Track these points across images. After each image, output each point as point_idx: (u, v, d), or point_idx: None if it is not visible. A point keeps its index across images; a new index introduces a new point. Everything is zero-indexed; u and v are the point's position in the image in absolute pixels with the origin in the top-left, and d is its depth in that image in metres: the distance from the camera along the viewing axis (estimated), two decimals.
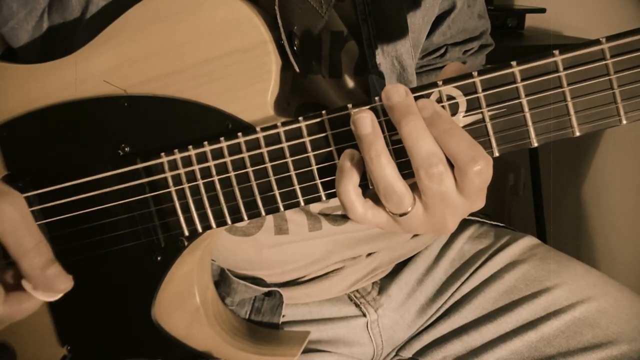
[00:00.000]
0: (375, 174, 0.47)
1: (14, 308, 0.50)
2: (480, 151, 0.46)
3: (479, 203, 0.49)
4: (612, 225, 1.46)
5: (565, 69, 0.46)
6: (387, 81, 0.66)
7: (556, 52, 0.46)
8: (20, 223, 0.50)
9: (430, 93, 0.48)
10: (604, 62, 0.45)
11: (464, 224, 0.82)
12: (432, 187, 0.46)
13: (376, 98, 0.49)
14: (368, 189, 0.50)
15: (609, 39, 0.45)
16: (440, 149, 0.46)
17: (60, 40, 0.59)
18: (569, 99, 0.46)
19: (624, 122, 0.46)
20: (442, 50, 0.80)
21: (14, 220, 0.50)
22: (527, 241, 0.78)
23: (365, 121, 0.47)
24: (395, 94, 0.47)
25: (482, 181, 0.46)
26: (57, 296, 0.51)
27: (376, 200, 0.49)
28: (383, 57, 0.65)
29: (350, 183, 0.48)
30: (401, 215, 0.48)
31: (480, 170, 0.46)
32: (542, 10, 1.55)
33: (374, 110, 0.49)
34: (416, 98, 0.47)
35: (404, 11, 0.67)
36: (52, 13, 0.59)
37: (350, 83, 0.67)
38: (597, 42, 0.45)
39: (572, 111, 0.46)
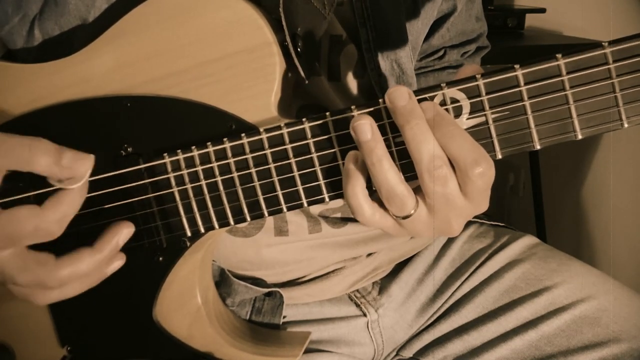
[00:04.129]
0: (378, 178, 0.47)
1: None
2: (482, 153, 0.46)
3: (483, 205, 0.49)
4: (612, 225, 1.46)
5: (568, 72, 0.46)
6: (387, 85, 0.66)
7: (559, 55, 0.46)
8: None
9: (434, 95, 0.48)
10: (606, 67, 0.45)
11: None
12: (436, 190, 0.46)
13: (380, 100, 0.49)
14: (375, 192, 0.50)
15: (612, 43, 0.45)
16: (443, 152, 0.46)
17: (57, 45, 0.59)
18: (571, 102, 0.46)
19: (626, 125, 0.46)
20: (441, 53, 0.80)
21: None
22: (527, 240, 0.78)
23: (364, 127, 0.47)
24: (399, 97, 0.47)
25: (484, 183, 0.47)
26: (84, 179, 0.49)
27: (382, 203, 0.49)
28: (382, 61, 0.65)
29: (357, 185, 0.48)
30: (404, 217, 0.48)
31: (482, 172, 0.46)
32: (542, 10, 1.55)
33: (378, 112, 0.49)
34: (419, 101, 0.48)
35: (403, 15, 0.67)
36: (44, 19, 0.58)
37: (349, 86, 0.67)
38: (599, 46, 0.45)
39: (574, 114, 0.47)
